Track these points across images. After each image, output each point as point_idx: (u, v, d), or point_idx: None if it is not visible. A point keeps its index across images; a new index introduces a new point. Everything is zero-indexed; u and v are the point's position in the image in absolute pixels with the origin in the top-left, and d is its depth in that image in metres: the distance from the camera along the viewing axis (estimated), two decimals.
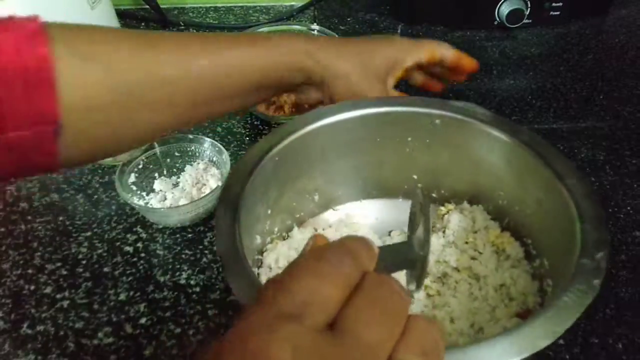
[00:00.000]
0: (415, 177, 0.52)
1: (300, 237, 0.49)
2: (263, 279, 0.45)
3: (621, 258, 0.52)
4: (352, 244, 0.23)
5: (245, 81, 0.44)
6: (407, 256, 0.30)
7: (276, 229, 0.49)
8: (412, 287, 0.31)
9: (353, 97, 0.48)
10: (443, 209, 0.51)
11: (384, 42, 0.53)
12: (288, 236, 0.50)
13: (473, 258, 0.47)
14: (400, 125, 0.49)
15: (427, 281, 0.46)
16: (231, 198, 0.39)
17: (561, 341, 0.33)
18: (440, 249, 0.48)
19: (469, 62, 0.57)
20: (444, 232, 0.50)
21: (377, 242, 0.49)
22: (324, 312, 0.20)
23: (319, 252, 0.23)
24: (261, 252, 0.47)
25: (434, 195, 0.52)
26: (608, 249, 0.34)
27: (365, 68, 0.49)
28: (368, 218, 0.53)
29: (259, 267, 0.46)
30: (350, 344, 0.19)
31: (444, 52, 0.55)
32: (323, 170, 0.50)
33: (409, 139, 0.49)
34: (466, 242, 0.48)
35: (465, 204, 0.51)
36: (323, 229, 0.52)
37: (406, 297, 0.22)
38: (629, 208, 0.57)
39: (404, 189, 0.53)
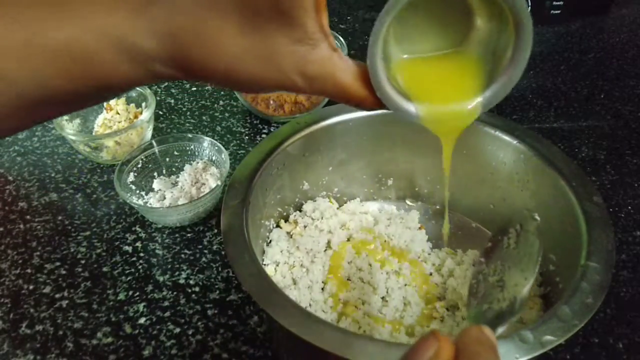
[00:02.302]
0: (492, 206, 0.52)
1: (353, 208, 0.54)
2: (291, 218, 0.52)
3: (622, 258, 0.52)
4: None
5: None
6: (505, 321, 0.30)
7: (336, 189, 0.55)
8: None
9: (265, 79, 0.27)
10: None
11: None
12: (347, 202, 0.55)
13: None
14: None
15: (437, 304, 0.45)
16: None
17: (562, 341, 0.33)
18: (466, 282, 0.47)
19: None
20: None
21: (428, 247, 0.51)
22: None
23: None
24: (307, 199, 0.53)
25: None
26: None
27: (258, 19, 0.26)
28: (421, 221, 0.54)
29: (297, 209, 0.53)
30: None
31: None
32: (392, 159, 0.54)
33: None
34: None
35: None
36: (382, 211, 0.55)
37: None
38: (629, 207, 0.57)
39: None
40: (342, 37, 0.72)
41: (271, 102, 0.67)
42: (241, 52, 0.26)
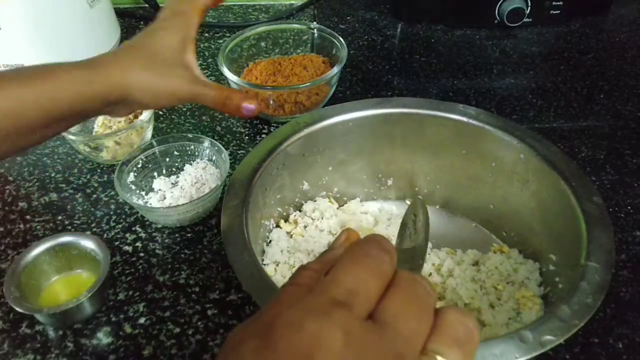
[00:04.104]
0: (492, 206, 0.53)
1: (353, 208, 0.54)
2: (291, 218, 0.52)
3: (621, 258, 0.52)
4: (385, 244, 0.25)
5: (37, 117, 0.41)
6: (411, 265, 0.31)
7: (336, 189, 0.55)
8: None
9: (161, 97, 0.45)
10: (495, 246, 0.51)
11: (156, 30, 0.47)
12: (347, 202, 0.55)
13: (491, 305, 0.45)
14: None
15: (437, 304, 0.45)
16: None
17: (562, 341, 0.33)
18: (465, 281, 0.47)
19: None
20: (478, 267, 0.49)
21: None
22: (368, 302, 0.22)
23: (361, 247, 0.25)
24: (307, 199, 0.53)
25: (504, 234, 0.52)
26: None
27: (156, 63, 0.46)
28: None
29: (297, 209, 0.53)
30: (390, 335, 0.21)
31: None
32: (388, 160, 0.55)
33: (464, 151, 0.51)
34: (495, 287, 0.47)
35: (517, 254, 0.49)
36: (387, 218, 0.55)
37: (434, 292, 0.24)
38: (629, 207, 0.57)
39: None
40: (342, 37, 0.72)
41: (271, 102, 0.67)
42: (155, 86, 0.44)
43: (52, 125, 0.42)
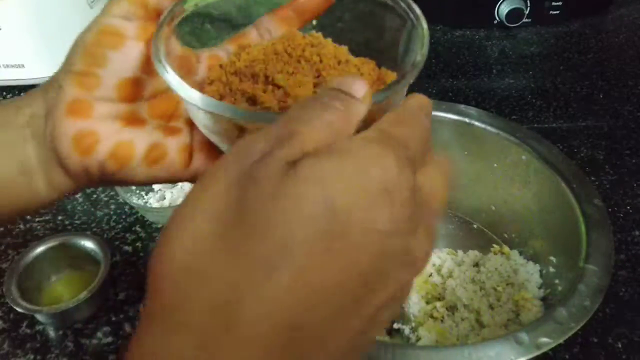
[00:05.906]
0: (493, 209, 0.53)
1: None
2: None
3: (620, 257, 0.52)
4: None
5: None
6: None
7: None
8: None
9: None
10: (496, 247, 0.51)
11: None
12: None
13: (490, 306, 0.45)
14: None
15: (437, 304, 0.45)
16: None
17: (558, 343, 0.33)
18: (465, 282, 0.47)
19: None
20: (478, 268, 0.49)
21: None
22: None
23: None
24: None
25: (505, 236, 0.53)
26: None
27: None
28: None
29: None
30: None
31: None
32: None
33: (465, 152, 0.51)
34: (494, 289, 0.47)
35: (518, 256, 0.49)
36: None
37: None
38: (628, 207, 0.57)
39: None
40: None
41: None
42: None
43: None
